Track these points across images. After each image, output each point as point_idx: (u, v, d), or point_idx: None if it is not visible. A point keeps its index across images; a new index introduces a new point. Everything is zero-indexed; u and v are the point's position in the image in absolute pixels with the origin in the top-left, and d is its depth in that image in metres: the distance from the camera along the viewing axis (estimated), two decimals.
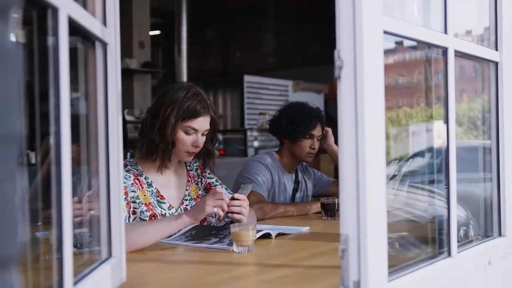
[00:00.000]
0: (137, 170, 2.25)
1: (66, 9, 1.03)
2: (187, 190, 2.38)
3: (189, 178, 2.41)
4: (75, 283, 1.08)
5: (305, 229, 2.37)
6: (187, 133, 2.24)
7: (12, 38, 0.59)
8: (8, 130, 0.58)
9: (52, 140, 1.01)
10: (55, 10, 1.00)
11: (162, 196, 2.27)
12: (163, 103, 2.22)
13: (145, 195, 2.21)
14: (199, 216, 2.10)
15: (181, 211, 2.30)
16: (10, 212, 0.58)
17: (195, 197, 2.39)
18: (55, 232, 1.01)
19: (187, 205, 2.34)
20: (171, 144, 2.23)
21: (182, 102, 2.20)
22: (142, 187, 2.22)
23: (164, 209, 2.25)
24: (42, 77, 1.03)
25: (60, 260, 1.00)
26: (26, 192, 0.63)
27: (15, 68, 0.58)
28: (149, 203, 2.21)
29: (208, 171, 2.48)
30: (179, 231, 2.11)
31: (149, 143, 2.24)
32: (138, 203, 2.18)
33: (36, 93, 1.06)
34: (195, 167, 2.46)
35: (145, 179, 2.25)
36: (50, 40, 1.02)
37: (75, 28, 1.11)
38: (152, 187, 2.26)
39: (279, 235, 2.19)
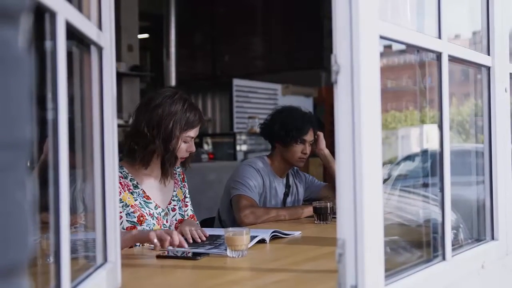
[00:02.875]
0: (121, 173, 2.28)
1: (63, 13, 1.02)
2: (174, 191, 2.46)
3: (176, 181, 2.49)
4: None
5: (297, 233, 2.37)
6: (186, 142, 2.32)
7: (22, 43, 0.58)
8: (18, 136, 0.57)
9: (49, 144, 1.00)
10: (52, 15, 1.00)
11: (148, 196, 2.33)
12: (161, 115, 2.26)
13: (129, 198, 2.26)
14: (143, 237, 2.06)
15: (168, 210, 2.39)
16: (21, 218, 0.58)
17: (182, 199, 2.48)
18: (52, 237, 1.00)
19: (174, 205, 2.43)
20: (175, 156, 2.29)
21: (182, 114, 2.28)
22: (125, 190, 2.26)
23: (151, 209, 2.31)
24: (38, 80, 1.02)
25: (58, 266, 1.00)
26: (36, 198, 0.63)
27: (25, 74, 0.57)
28: (135, 204, 2.26)
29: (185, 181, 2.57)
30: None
31: (150, 154, 2.28)
32: (122, 206, 2.22)
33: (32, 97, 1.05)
34: (178, 173, 2.53)
35: (130, 181, 2.31)
36: (48, 44, 1.01)
37: (71, 32, 1.11)
38: (138, 188, 2.31)
39: (274, 238, 2.19)
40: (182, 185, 2.52)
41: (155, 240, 1.94)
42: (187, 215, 2.49)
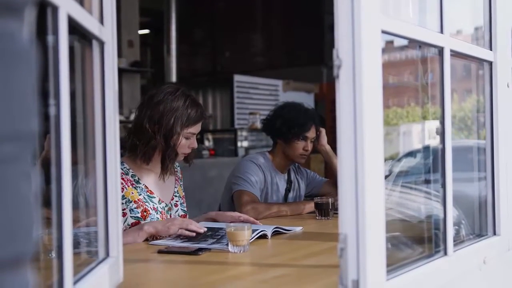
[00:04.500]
0: (122, 169, 2.29)
1: (65, 7, 1.02)
2: (175, 188, 2.48)
3: (177, 178, 2.51)
4: (75, 282, 1.07)
5: (299, 229, 2.37)
6: (187, 138, 2.33)
7: (27, 36, 0.58)
8: (23, 129, 0.57)
9: (52, 140, 1.00)
10: (55, 9, 0.99)
11: (151, 191, 2.34)
12: (162, 111, 2.27)
13: (132, 193, 2.28)
14: (161, 229, 2.09)
15: (171, 206, 2.41)
16: (26, 210, 0.58)
17: (182, 196, 2.51)
18: (55, 232, 1.00)
19: (176, 201, 2.45)
20: (175, 152, 2.31)
21: (184, 111, 2.28)
22: (128, 186, 2.28)
23: (155, 203, 2.33)
24: (39, 76, 1.02)
25: (60, 260, 1.00)
26: (41, 190, 0.63)
27: (30, 66, 0.57)
28: (138, 199, 2.28)
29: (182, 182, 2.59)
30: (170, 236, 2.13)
31: (151, 150, 2.29)
32: (125, 202, 2.23)
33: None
34: (178, 171, 2.56)
35: (131, 177, 2.32)
36: (50, 38, 1.01)
37: (72, 27, 1.10)
38: (140, 183, 2.32)
39: (275, 234, 2.19)
40: (181, 183, 2.55)
41: (186, 232, 2.08)
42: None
